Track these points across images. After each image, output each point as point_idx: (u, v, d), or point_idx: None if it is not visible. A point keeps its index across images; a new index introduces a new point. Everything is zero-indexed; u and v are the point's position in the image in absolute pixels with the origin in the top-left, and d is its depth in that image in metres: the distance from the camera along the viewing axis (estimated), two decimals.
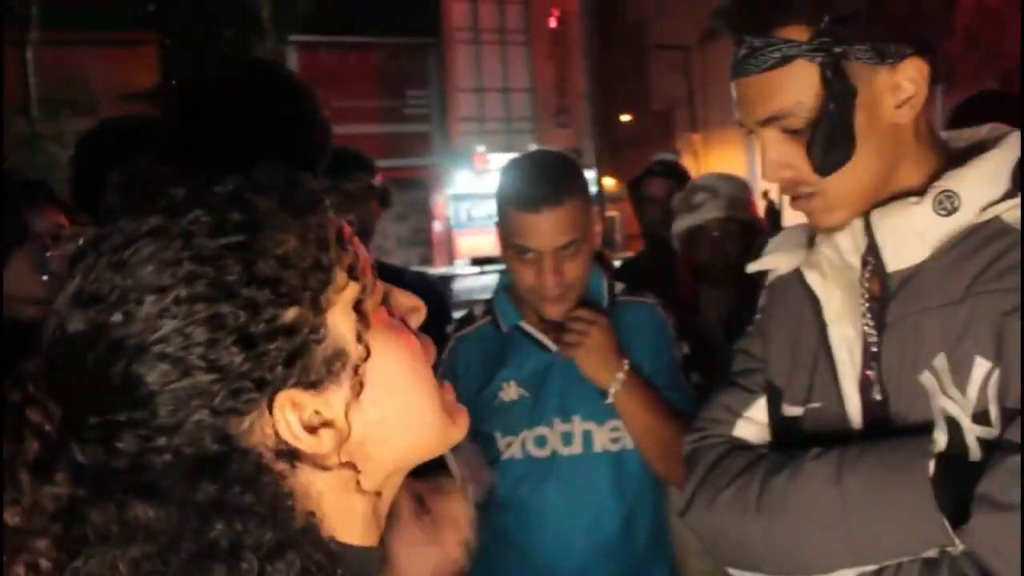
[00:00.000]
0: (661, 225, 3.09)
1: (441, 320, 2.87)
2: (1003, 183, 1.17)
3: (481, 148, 25.76)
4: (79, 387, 0.65)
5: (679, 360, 1.99)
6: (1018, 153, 1.19)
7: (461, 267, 23.90)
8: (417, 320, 0.80)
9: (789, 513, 1.20)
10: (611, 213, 24.04)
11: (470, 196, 26.14)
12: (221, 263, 0.65)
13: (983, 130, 1.28)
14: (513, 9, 27.08)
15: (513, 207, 1.80)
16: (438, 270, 18.22)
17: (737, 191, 2.52)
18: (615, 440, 1.90)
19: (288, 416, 0.67)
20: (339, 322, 0.70)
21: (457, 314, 2.98)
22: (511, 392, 1.91)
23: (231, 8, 22.94)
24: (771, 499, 1.22)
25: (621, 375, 1.82)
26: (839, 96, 1.14)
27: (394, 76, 26.04)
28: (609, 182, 28.35)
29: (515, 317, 1.93)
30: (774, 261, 1.42)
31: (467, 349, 1.95)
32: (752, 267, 1.45)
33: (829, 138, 1.16)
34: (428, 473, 1.60)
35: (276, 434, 0.67)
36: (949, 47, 11.78)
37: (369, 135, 20.76)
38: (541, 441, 1.90)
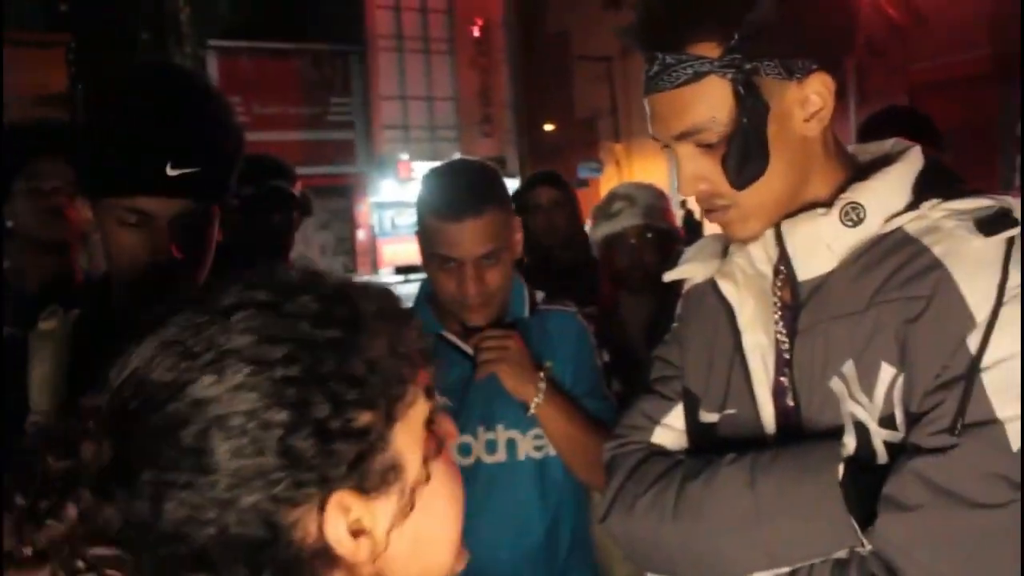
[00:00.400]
0: (546, 234, 3.29)
1: None
2: (905, 195, 1.21)
3: (405, 156, 25.68)
4: (144, 436, 0.64)
5: (600, 368, 2.01)
6: (919, 166, 1.24)
7: (385, 275, 23.83)
8: (452, 447, 0.82)
9: (704, 518, 1.22)
10: None
11: (394, 204, 26.02)
12: (319, 353, 0.65)
13: (887, 144, 1.32)
14: (437, 18, 27.09)
15: (434, 216, 1.79)
16: (362, 279, 18.11)
17: (654, 200, 2.56)
18: (539, 448, 1.90)
19: (338, 517, 0.67)
20: (401, 437, 0.70)
21: None
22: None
23: (149, 11, 22.51)
24: (687, 504, 1.24)
25: (542, 386, 1.83)
26: (752, 111, 1.17)
27: (317, 83, 25.81)
28: None
29: (436, 327, 1.93)
30: (690, 270, 1.44)
31: None
32: (668, 276, 1.47)
33: (744, 152, 1.18)
34: None
35: (320, 532, 0.66)
36: (857, 61, 12.15)
37: (292, 142, 20.54)
38: (465, 450, 1.90)
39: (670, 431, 1.40)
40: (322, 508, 0.66)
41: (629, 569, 1.96)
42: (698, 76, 1.18)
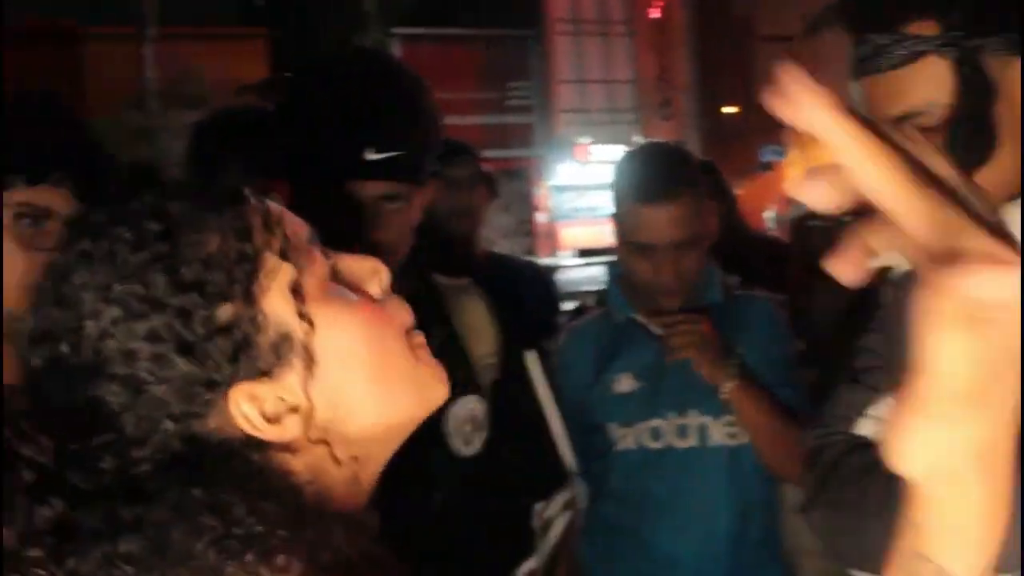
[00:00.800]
0: None
1: (549, 309, 2.86)
2: None
3: (583, 139, 25.64)
4: (56, 419, 0.68)
5: (792, 356, 1.95)
6: None
7: (565, 258, 23.88)
8: (377, 283, 0.81)
9: None
10: None
11: (573, 187, 26.02)
12: (146, 278, 0.68)
13: None
14: (615, 0, 26.87)
15: (630, 201, 1.77)
16: (542, 261, 18.31)
17: None
18: (731, 435, 1.87)
19: (246, 410, 0.69)
20: (278, 306, 0.72)
21: (565, 304, 2.97)
22: (625, 384, 1.89)
23: (335, 1, 23.32)
24: (896, 500, 1.17)
25: (734, 371, 1.78)
26: (977, 92, 1.09)
27: (496, 68, 26.07)
28: None
29: (628, 309, 1.91)
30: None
31: (579, 340, 1.94)
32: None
33: (969, 136, 1.10)
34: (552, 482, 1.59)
35: (237, 428, 0.70)
36: None
37: (471, 126, 20.82)
38: (656, 434, 1.88)
39: (876, 423, 1.33)
40: (228, 407, 0.67)
41: (819, 565, 1.89)
42: (915, 56, 1.11)
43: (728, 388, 1.83)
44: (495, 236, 22.89)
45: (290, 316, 0.72)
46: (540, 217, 28.78)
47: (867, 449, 1.34)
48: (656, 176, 1.78)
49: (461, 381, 1.58)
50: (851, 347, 1.47)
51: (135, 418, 0.68)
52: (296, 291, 0.73)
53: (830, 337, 2.39)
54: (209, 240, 0.70)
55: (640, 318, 1.91)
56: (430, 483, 1.55)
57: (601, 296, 2.02)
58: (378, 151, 1.38)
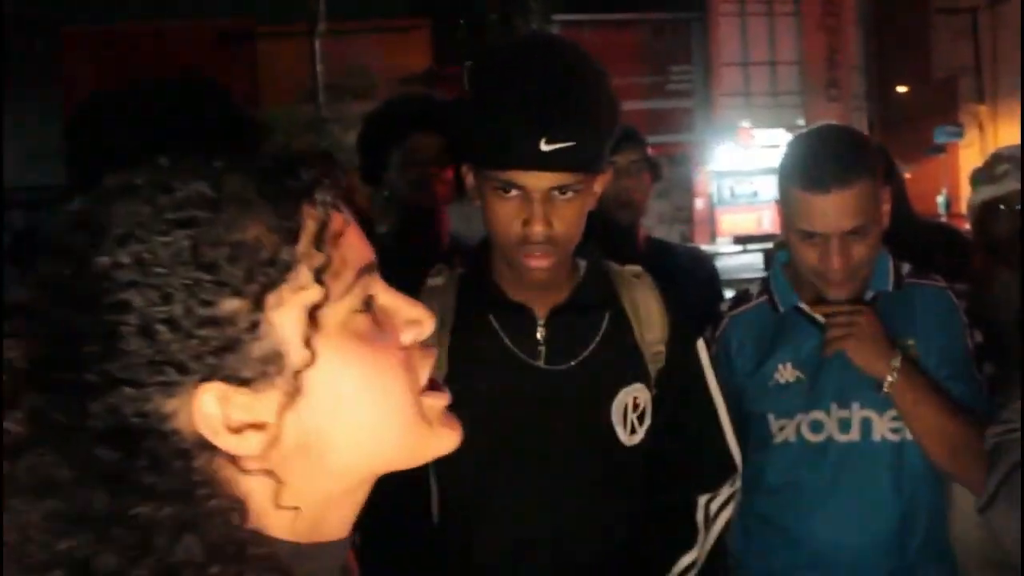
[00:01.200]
0: None
1: (712, 296, 2.82)
2: None
3: (746, 123, 25.08)
4: (37, 331, 0.65)
5: (971, 349, 1.85)
6: None
7: (723, 245, 23.44)
8: (415, 335, 0.74)
9: None
10: None
11: (733, 173, 25.50)
12: (169, 237, 0.63)
13: None
14: None
15: (799, 187, 1.72)
16: (700, 248, 18.02)
17: None
18: (896, 430, 1.80)
19: (209, 409, 0.64)
20: (287, 323, 0.66)
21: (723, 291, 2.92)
22: (787, 374, 1.84)
23: None
24: None
25: (896, 363, 1.71)
26: None
27: (657, 52, 25.81)
28: None
29: (793, 297, 1.86)
30: None
31: (741, 328, 1.90)
32: None
33: None
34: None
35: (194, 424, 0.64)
36: None
37: (632, 111, 20.69)
38: (817, 426, 1.83)
39: None
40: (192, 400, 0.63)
41: (990, 573, 1.80)
42: None
43: (889, 381, 1.75)
44: (652, 222, 22.72)
45: (294, 339, 0.66)
46: (698, 203, 28.39)
47: None
48: (827, 161, 1.68)
49: (628, 369, 1.57)
50: None
51: (99, 369, 0.63)
52: (313, 316, 0.67)
53: (1011, 328, 2.26)
54: (249, 227, 0.65)
55: (804, 307, 1.84)
56: (593, 471, 1.55)
57: (764, 284, 1.97)
58: (552, 142, 1.37)
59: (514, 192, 1.41)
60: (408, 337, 0.73)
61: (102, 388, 0.63)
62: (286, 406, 0.66)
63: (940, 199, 26.53)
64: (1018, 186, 2.28)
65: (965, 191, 2.50)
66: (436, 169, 2.42)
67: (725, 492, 1.63)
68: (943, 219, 24.33)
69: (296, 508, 0.68)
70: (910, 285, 1.86)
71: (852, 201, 1.66)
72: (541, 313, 1.53)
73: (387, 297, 0.73)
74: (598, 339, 1.54)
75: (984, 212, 2.37)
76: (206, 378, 0.64)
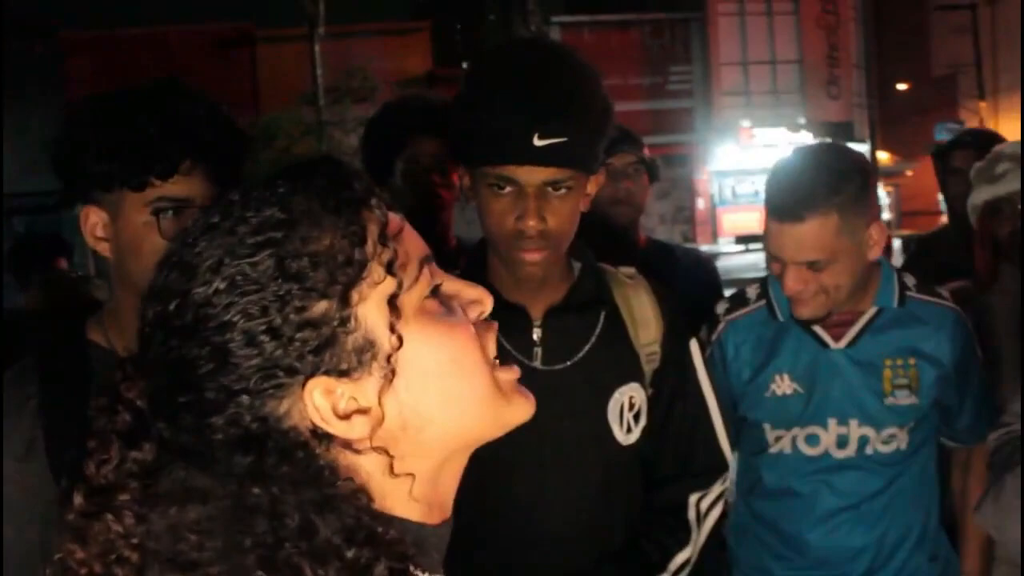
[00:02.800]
0: (966, 199, 2.85)
1: (712, 297, 2.81)
2: None
3: (746, 123, 25.11)
4: (153, 368, 0.73)
5: (977, 365, 1.86)
6: None
7: (725, 245, 23.50)
8: (478, 312, 0.82)
9: None
10: (886, 189, 22.73)
11: (734, 172, 25.55)
12: (256, 259, 0.71)
13: None
14: None
15: (767, 210, 1.72)
16: (701, 248, 18.03)
17: None
18: (888, 443, 1.80)
19: (318, 402, 0.71)
20: (371, 315, 0.73)
21: (724, 292, 2.91)
22: (784, 386, 1.83)
23: None
24: None
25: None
26: None
27: (656, 52, 25.87)
28: (883, 156, 26.84)
29: (789, 307, 1.85)
30: None
31: (738, 333, 1.88)
32: None
33: None
34: None
35: (308, 418, 0.72)
36: None
37: (632, 112, 20.75)
38: (814, 440, 1.82)
39: None
40: (302, 396, 0.71)
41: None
42: None
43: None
44: (654, 222, 22.77)
45: (381, 327, 0.74)
46: (700, 203, 28.44)
47: None
48: (790, 192, 1.68)
49: (624, 369, 1.57)
50: None
51: (216, 385, 0.71)
52: (393, 305, 0.74)
53: (1012, 328, 2.25)
54: (322, 238, 0.73)
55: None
56: (589, 471, 1.55)
57: (763, 287, 1.95)
58: (545, 137, 1.39)
59: (508, 188, 1.42)
60: (473, 314, 0.81)
61: (222, 402, 0.71)
62: (384, 389, 0.73)
63: (941, 196, 26.58)
64: (1019, 185, 2.27)
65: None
66: (438, 176, 2.42)
67: (716, 490, 1.64)
68: (944, 217, 24.40)
69: (411, 475, 0.76)
70: (914, 301, 1.84)
71: (807, 236, 1.64)
72: (537, 314, 1.53)
73: (449, 282, 0.81)
74: (593, 339, 1.54)
75: (986, 212, 2.36)
76: (311, 375, 0.71)
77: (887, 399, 1.78)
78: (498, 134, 1.39)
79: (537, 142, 1.37)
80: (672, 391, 1.59)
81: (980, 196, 2.36)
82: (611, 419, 1.52)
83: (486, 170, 1.42)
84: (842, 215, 1.65)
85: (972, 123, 24.92)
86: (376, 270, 0.74)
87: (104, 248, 1.39)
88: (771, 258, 1.73)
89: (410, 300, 0.76)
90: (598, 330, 1.54)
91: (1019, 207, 2.27)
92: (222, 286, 0.71)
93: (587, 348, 1.52)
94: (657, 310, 1.58)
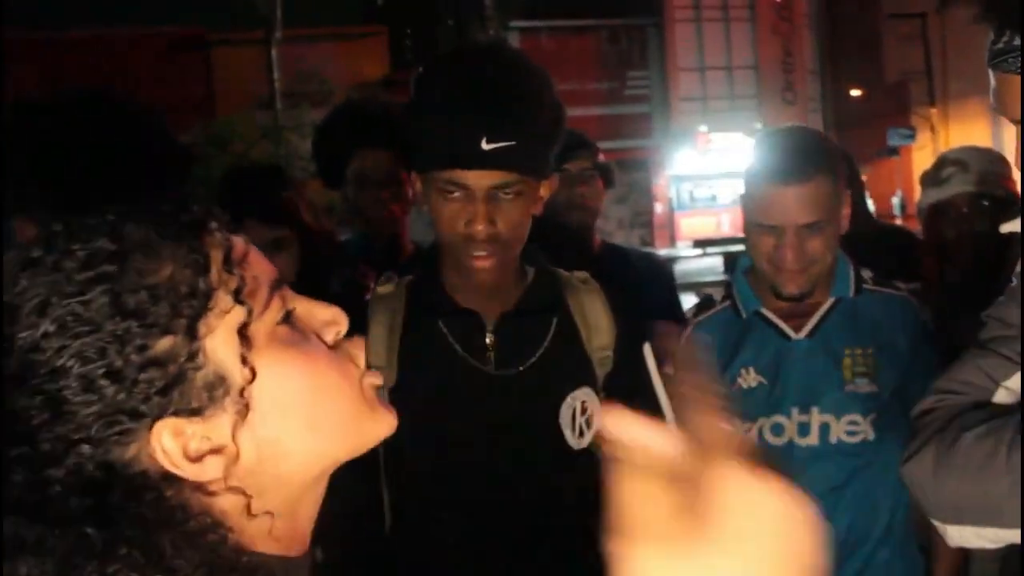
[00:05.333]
0: None
1: (668, 300, 2.83)
2: None
3: (703, 128, 25.29)
4: None
5: (934, 358, 1.89)
6: None
7: (683, 249, 23.61)
8: (335, 333, 0.78)
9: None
10: None
11: (692, 177, 25.70)
12: (87, 297, 0.65)
13: None
14: None
15: (760, 180, 1.75)
16: (659, 252, 18.08)
17: (990, 165, 2.33)
18: (852, 433, 1.83)
19: (167, 445, 0.66)
20: (221, 347, 0.68)
21: (682, 296, 2.93)
22: (749, 379, 1.86)
23: None
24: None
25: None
26: None
27: (614, 58, 25.97)
28: None
29: (755, 302, 1.88)
30: None
31: (705, 334, 1.91)
32: (1006, 227, 1.34)
33: None
34: None
35: (156, 461, 0.67)
36: None
37: (590, 117, 20.79)
38: (778, 430, 1.85)
39: (1012, 396, 1.27)
40: (149, 439, 0.66)
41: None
42: None
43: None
44: (612, 227, 22.85)
45: (232, 360, 0.69)
46: (658, 208, 28.56)
47: (1002, 415, 1.29)
48: (789, 155, 1.74)
49: (576, 373, 1.58)
50: (979, 318, 1.41)
51: (52, 436, 0.65)
52: (243, 335, 0.70)
53: (965, 331, 2.29)
54: (161, 269, 0.67)
55: (766, 312, 1.87)
56: (542, 475, 1.55)
57: (727, 289, 1.99)
58: (493, 141, 1.39)
59: (457, 192, 1.42)
60: (329, 336, 0.77)
61: (59, 454, 0.64)
62: (238, 425, 0.69)
63: (895, 200, 26.93)
64: (963, 189, 2.32)
65: (919, 193, 2.54)
66: (387, 191, 2.41)
67: None
68: (899, 220, 24.75)
69: (269, 513, 0.71)
70: (871, 292, 1.88)
71: (810, 195, 1.68)
72: (490, 319, 1.53)
73: (301, 305, 0.77)
74: (546, 344, 1.54)
75: (932, 214, 2.40)
76: (158, 417, 0.66)
77: (847, 386, 1.82)
78: (446, 138, 1.39)
79: (485, 146, 1.37)
80: (626, 395, 1.60)
81: (926, 199, 2.40)
82: (563, 423, 1.53)
83: (436, 174, 1.42)
84: (835, 177, 1.72)
85: (923, 129, 25.32)
86: (223, 299, 0.69)
87: None
88: (762, 231, 1.74)
89: (261, 328, 0.71)
90: (551, 334, 1.54)
91: (964, 211, 2.31)
92: (51, 328, 0.64)
93: (540, 352, 1.52)
94: (610, 315, 1.58)
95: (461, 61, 1.51)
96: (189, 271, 0.68)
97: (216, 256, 0.70)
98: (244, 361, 0.69)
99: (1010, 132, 1.16)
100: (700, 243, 23.25)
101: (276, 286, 0.74)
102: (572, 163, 2.60)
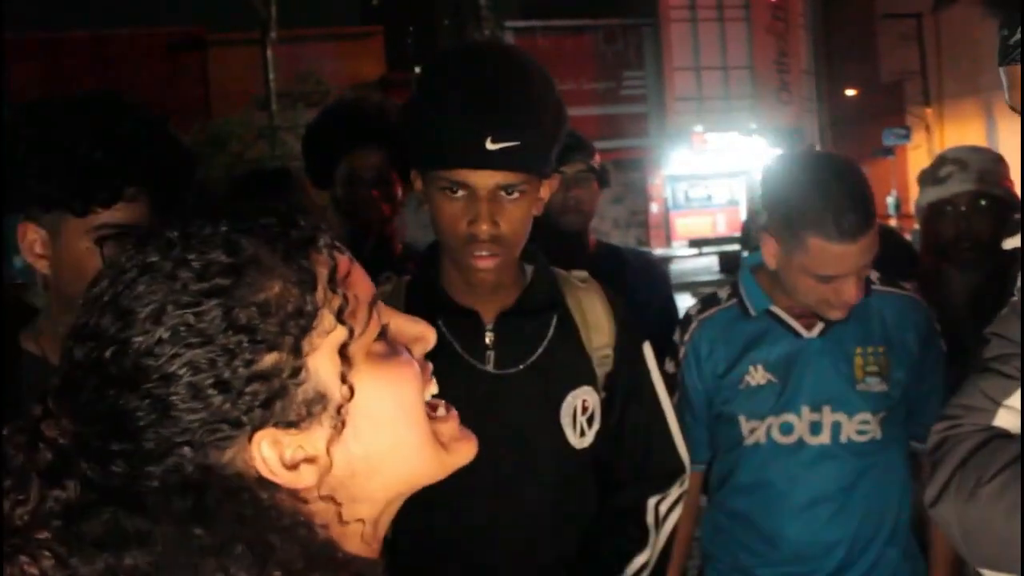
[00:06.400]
0: None
1: (662, 300, 2.83)
2: None
3: (699, 128, 25.33)
4: (82, 411, 0.69)
5: (941, 356, 1.89)
6: None
7: (679, 248, 23.66)
8: (422, 349, 0.81)
9: None
10: None
11: (688, 177, 25.74)
12: (201, 308, 0.67)
13: None
14: None
15: (822, 238, 1.67)
16: (655, 252, 18.06)
17: (990, 164, 2.32)
18: (862, 432, 1.82)
19: (266, 453, 0.69)
20: (322, 365, 0.71)
21: (678, 295, 2.93)
22: (758, 376, 1.85)
23: None
24: None
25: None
26: None
27: (610, 58, 25.99)
28: None
29: (766, 301, 1.87)
30: None
31: (711, 331, 1.91)
32: (1008, 243, 1.33)
33: None
34: None
35: (254, 468, 0.69)
36: None
37: (585, 117, 20.81)
38: (787, 428, 1.84)
39: (1013, 414, 1.27)
40: (248, 447, 0.68)
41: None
42: None
43: None
44: (608, 227, 22.86)
45: (332, 378, 0.72)
46: (654, 207, 28.60)
47: (1006, 441, 1.27)
48: (851, 212, 1.68)
49: (576, 372, 1.57)
50: (982, 334, 1.40)
51: (156, 436, 0.67)
52: (344, 355, 0.72)
53: (962, 327, 2.28)
54: (271, 285, 0.70)
55: (778, 310, 1.85)
56: (543, 475, 1.55)
57: (733, 287, 1.97)
58: (497, 141, 1.38)
59: (460, 192, 1.41)
60: (417, 351, 0.80)
61: (161, 453, 0.67)
62: (333, 439, 0.72)
63: (890, 200, 26.97)
64: (963, 188, 2.31)
65: (914, 192, 2.53)
66: (378, 190, 2.39)
67: (674, 492, 1.64)
68: (893, 221, 24.80)
69: (361, 521, 0.75)
70: (879, 293, 1.88)
71: (870, 242, 1.67)
72: (489, 318, 1.52)
73: (395, 320, 0.80)
74: (546, 343, 1.53)
75: (930, 213, 2.39)
76: (258, 427, 0.68)
77: (859, 385, 1.82)
78: (450, 138, 1.38)
79: (490, 146, 1.36)
80: (626, 394, 1.59)
81: (924, 198, 2.40)
82: (564, 422, 1.52)
83: (438, 173, 1.41)
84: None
85: (918, 129, 25.36)
86: (327, 318, 0.71)
87: (43, 265, 1.35)
88: (816, 279, 1.72)
89: (360, 347, 0.73)
90: (550, 334, 1.53)
91: (962, 209, 2.31)
92: (165, 336, 0.67)
93: (539, 352, 1.52)
94: (610, 313, 1.58)
95: (465, 60, 1.49)
96: (297, 290, 0.70)
97: (322, 274, 0.72)
98: (343, 379, 0.71)
99: (1005, 132, 1.16)
100: (696, 243, 23.27)
101: (374, 303, 0.76)
102: (567, 165, 2.59)
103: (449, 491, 1.52)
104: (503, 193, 1.40)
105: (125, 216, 1.31)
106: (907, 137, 25.12)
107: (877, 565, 1.88)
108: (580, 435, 1.54)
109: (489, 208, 1.40)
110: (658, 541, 1.62)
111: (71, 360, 0.70)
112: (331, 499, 0.73)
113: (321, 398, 0.70)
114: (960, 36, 21.47)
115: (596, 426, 1.55)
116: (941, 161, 2.40)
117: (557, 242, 2.22)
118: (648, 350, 1.63)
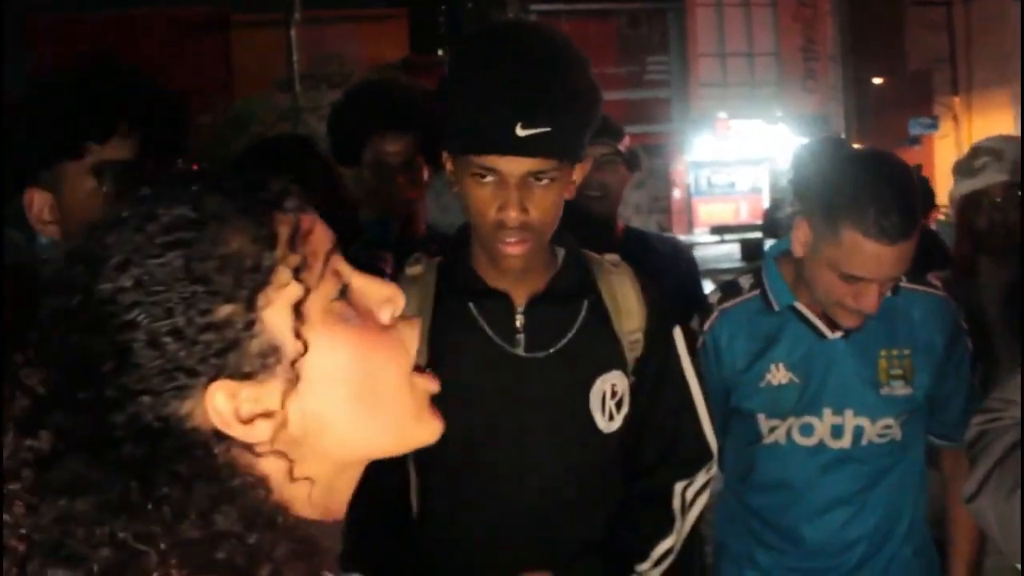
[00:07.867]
0: None
1: (690, 286, 2.80)
2: None
3: (723, 114, 25.17)
4: (54, 360, 0.71)
5: (967, 354, 1.85)
6: None
7: (701, 235, 23.57)
8: (390, 311, 0.80)
9: None
10: None
11: (710, 163, 25.61)
12: (164, 260, 0.71)
13: None
14: None
15: (860, 232, 1.59)
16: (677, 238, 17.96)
17: None
18: (883, 436, 1.79)
19: (220, 405, 0.71)
20: (277, 319, 0.73)
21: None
22: (779, 375, 1.81)
23: None
24: None
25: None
26: None
27: (634, 42, 25.87)
28: None
29: (790, 297, 1.82)
30: None
31: (732, 323, 1.86)
32: None
33: None
34: None
35: (208, 419, 0.71)
36: None
37: (609, 102, 20.67)
38: (808, 430, 1.81)
39: None
40: (204, 399, 0.71)
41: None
42: None
43: None
44: (629, 212, 22.79)
45: (286, 333, 0.74)
46: (676, 193, 28.52)
47: None
48: (897, 213, 1.59)
49: (606, 357, 1.56)
50: (1019, 329, 1.38)
51: (117, 384, 0.70)
52: (298, 311, 0.74)
53: (996, 316, 2.26)
54: (231, 241, 0.73)
55: (802, 307, 1.80)
56: (571, 458, 1.54)
57: (756, 277, 1.91)
58: (528, 127, 1.36)
59: (490, 177, 1.40)
60: (385, 315, 0.80)
61: (122, 401, 0.70)
62: (288, 393, 0.74)
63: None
64: (997, 178, 2.28)
65: (941, 182, 2.49)
66: (403, 176, 2.38)
67: (701, 479, 1.63)
68: None
69: (309, 479, 0.76)
70: (906, 291, 1.83)
71: (909, 249, 1.60)
72: (520, 301, 1.51)
73: (358, 280, 0.80)
74: (576, 327, 1.52)
75: (966, 204, 2.37)
76: (214, 378, 0.71)
77: (882, 389, 1.78)
78: (480, 123, 1.36)
79: (520, 132, 1.34)
80: (656, 379, 1.58)
81: (959, 189, 2.37)
82: (593, 407, 1.51)
83: (468, 158, 1.40)
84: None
85: (946, 119, 25.10)
86: (283, 274, 0.73)
87: (52, 231, 1.37)
88: (844, 277, 1.64)
89: (316, 304, 0.75)
90: (581, 318, 1.52)
91: (997, 200, 2.28)
92: (128, 284, 0.70)
93: (570, 336, 1.50)
94: (641, 298, 1.56)
95: (496, 42, 1.47)
96: (256, 246, 0.73)
97: (283, 232, 0.74)
98: (297, 335, 0.73)
99: None
100: (717, 230, 23.16)
101: (331, 254, 0.77)
102: (595, 148, 2.57)
103: (476, 473, 1.53)
104: (533, 179, 1.39)
105: (120, 152, 1.34)
106: (935, 126, 24.85)
107: (893, 562, 1.86)
108: (609, 419, 1.53)
109: (519, 194, 1.38)
110: (684, 527, 1.61)
111: (43, 311, 0.73)
112: (283, 455, 0.74)
113: (274, 351, 0.73)
114: (990, 25, 21.22)
115: (625, 410, 1.54)
116: (976, 152, 2.37)
117: (584, 225, 2.20)
118: (679, 335, 1.61)
